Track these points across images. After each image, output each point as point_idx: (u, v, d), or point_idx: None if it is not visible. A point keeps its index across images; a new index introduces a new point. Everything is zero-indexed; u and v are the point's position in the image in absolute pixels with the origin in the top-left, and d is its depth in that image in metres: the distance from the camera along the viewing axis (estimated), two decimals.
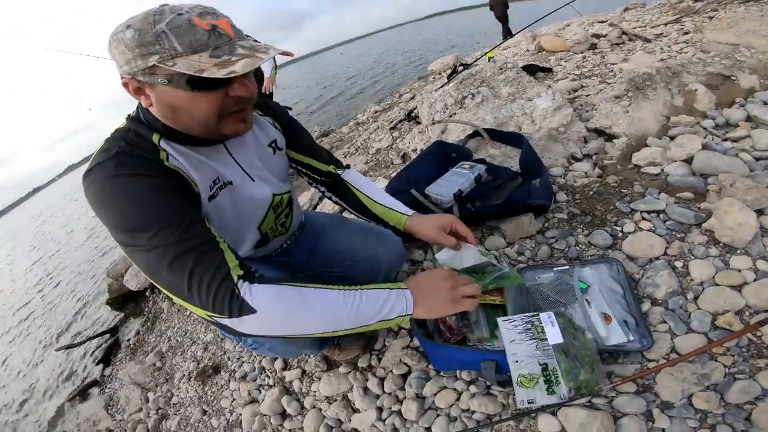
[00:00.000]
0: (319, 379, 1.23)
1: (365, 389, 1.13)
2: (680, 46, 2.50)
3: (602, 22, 3.83)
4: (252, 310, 0.58)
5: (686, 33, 2.70)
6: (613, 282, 0.98)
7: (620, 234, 1.19)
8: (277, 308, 0.60)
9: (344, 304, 0.63)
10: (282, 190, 0.96)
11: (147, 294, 3.02)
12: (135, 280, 2.95)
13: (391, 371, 1.11)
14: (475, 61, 3.07)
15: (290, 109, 3.59)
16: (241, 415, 1.33)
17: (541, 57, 3.43)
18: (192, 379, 1.67)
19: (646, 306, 0.95)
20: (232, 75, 0.57)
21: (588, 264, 1.06)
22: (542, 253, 1.22)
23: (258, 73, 3.51)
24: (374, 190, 1.08)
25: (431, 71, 6.36)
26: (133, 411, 1.87)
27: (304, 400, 1.23)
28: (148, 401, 1.84)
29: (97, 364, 2.73)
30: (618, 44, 3.01)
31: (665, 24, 3.05)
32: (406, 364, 1.10)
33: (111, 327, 3.14)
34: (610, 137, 1.75)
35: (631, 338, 0.84)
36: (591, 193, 1.40)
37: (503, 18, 8.91)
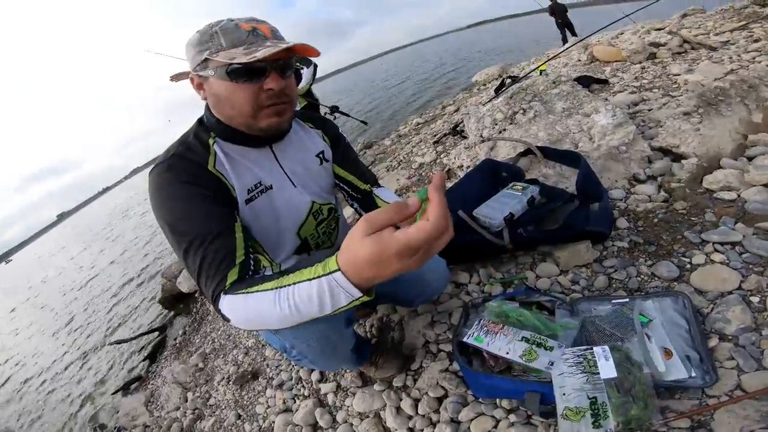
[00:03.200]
0: (354, 394, 1.26)
1: (398, 409, 1.14)
2: (751, 55, 2.33)
3: (659, 29, 3.64)
4: (227, 319, 0.67)
5: (756, 40, 2.51)
6: (678, 316, 0.93)
7: (688, 266, 1.12)
8: (236, 317, 0.66)
9: (282, 308, 0.59)
10: (324, 201, 1.01)
11: (196, 295, 3.24)
12: (187, 283, 3.18)
13: (427, 393, 1.11)
14: (526, 75, 3.04)
15: (336, 108, 3.74)
16: (273, 422, 1.38)
17: (594, 68, 3.32)
18: (231, 382, 1.77)
19: (713, 342, 0.90)
20: (253, 59, 0.68)
21: (651, 297, 1.01)
22: (599, 283, 1.18)
23: (312, 98, 3.67)
24: (394, 199, 1.08)
25: (475, 82, 6.34)
26: (171, 409, 2.00)
27: (337, 414, 1.26)
28: (186, 401, 1.96)
29: (144, 360, 2.96)
30: (680, 53, 2.86)
31: (731, 31, 2.86)
32: (443, 387, 1.09)
33: (160, 325, 3.40)
34: (677, 157, 1.65)
35: (693, 374, 0.81)
36: (656, 220, 1.33)
37: (567, 23, 8.84)
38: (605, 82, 2.74)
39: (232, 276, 0.68)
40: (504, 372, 0.93)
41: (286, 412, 1.40)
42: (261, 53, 0.69)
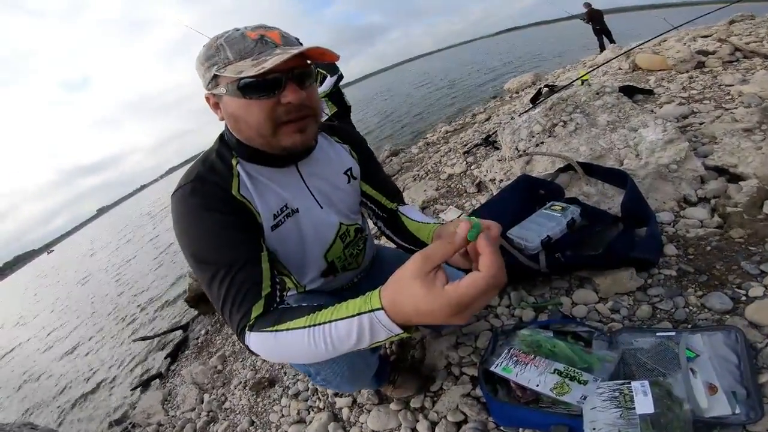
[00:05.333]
0: (369, 411, 1.26)
1: (413, 431, 1.12)
2: None
3: (706, 36, 3.51)
4: (256, 354, 0.67)
5: None
6: (728, 351, 0.88)
7: (743, 298, 1.04)
8: (266, 353, 0.66)
9: (318, 345, 0.58)
10: (350, 221, 0.97)
11: None
12: None
13: (446, 417, 1.08)
14: (567, 85, 2.97)
15: (349, 106, 3.70)
16: None
17: (637, 77, 3.25)
18: (247, 387, 1.80)
19: (764, 377, 0.85)
20: (262, 70, 0.63)
21: (700, 331, 0.95)
22: (642, 313, 1.12)
23: (344, 105, 3.68)
24: (422, 216, 1.04)
25: (507, 90, 6.29)
26: (186, 409, 2.06)
27: (350, 430, 1.25)
28: (202, 402, 2.01)
29: (166, 357, 3.07)
30: (731, 62, 2.74)
31: None
32: (463, 412, 1.07)
33: (184, 324, 3.52)
34: (734, 178, 1.54)
35: (737, 410, 0.77)
36: (708, 248, 1.24)
37: (604, 30, 8.65)
38: (650, 92, 2.66)
39: (257, 310, 0.66)
40: (531, 403, 0.89)
41: (299, 423, 1.41)
42: (270, 63, 0.63)
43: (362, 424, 1.24)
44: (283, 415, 1.51)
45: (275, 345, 0.63)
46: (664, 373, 0.87)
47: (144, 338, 3.80)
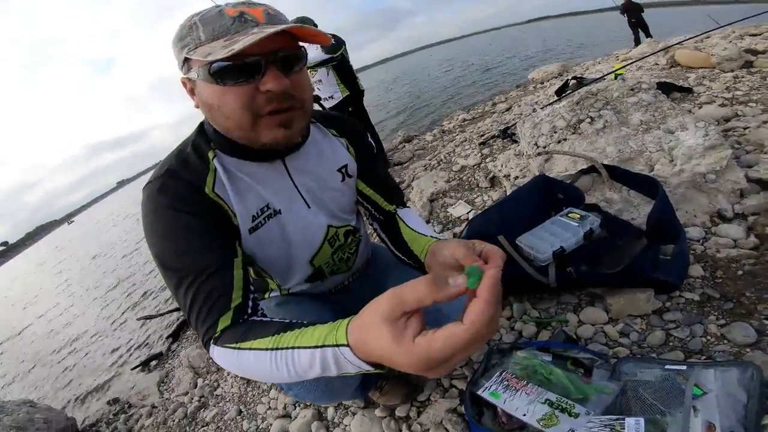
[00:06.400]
0: (354, 414, 1.25)
1: None
2: None
3: (755, 35, 3.33)
4: (220, 367, 0.64)
5: None
6: (740, 389, 0.82)
7: None
8: (230, 369, 0.65)
9: (280, 370, 0.55)
10: (341, 223, 0.92)
11: None
12: None
13: (428, 431, 1.07)
14: (599, 78, 2.83)
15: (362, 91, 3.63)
16: (271, 425, 1.42)
17: (675, 73, 3.10)
18: (239, 375, 1.83)
19: None
20: (230, 53, 0.56)
21: (714, 366, 0.88)
22: (653, 339, 1.05)
23: (358, 89, 3.59)
24: (420, 225, 0.92)
25: (531, 80, 6.10)
26: (180, 393, 2.11)
27: (333, 430, 1.26)
28: (195, 386, 2.06)
29: (168, 337, 3.14)
30: None
31: None
32: (446, 428, 1.05)
33: None
34: None
35: None
36: (740, 272, 1.15)
37: (641, 23, 8.34)
38: (689, 90, 2.54)
39: (224, 322, 0.63)
40: (516, 431, 0.86)
41: (284, 417, 1.42)
42: (240, 44, 0.56)
43: (346, 426, 1.25)
44: (270, 408, 1.53)
45: (238, 363, 0.61)
46: (664, 411, 0.81)
47: (148, 317, 3.91)
